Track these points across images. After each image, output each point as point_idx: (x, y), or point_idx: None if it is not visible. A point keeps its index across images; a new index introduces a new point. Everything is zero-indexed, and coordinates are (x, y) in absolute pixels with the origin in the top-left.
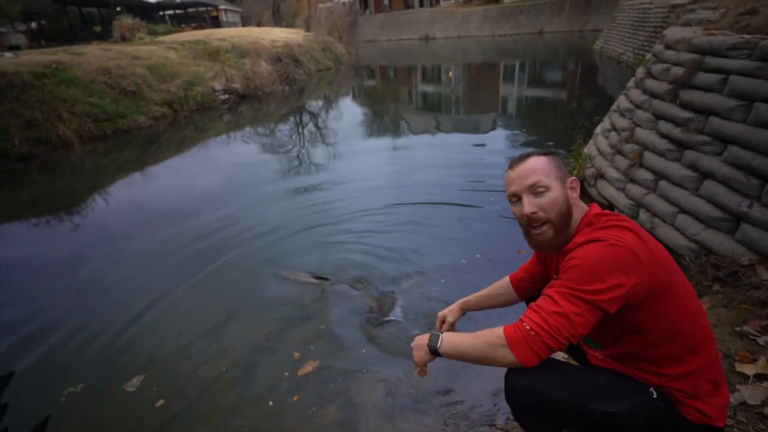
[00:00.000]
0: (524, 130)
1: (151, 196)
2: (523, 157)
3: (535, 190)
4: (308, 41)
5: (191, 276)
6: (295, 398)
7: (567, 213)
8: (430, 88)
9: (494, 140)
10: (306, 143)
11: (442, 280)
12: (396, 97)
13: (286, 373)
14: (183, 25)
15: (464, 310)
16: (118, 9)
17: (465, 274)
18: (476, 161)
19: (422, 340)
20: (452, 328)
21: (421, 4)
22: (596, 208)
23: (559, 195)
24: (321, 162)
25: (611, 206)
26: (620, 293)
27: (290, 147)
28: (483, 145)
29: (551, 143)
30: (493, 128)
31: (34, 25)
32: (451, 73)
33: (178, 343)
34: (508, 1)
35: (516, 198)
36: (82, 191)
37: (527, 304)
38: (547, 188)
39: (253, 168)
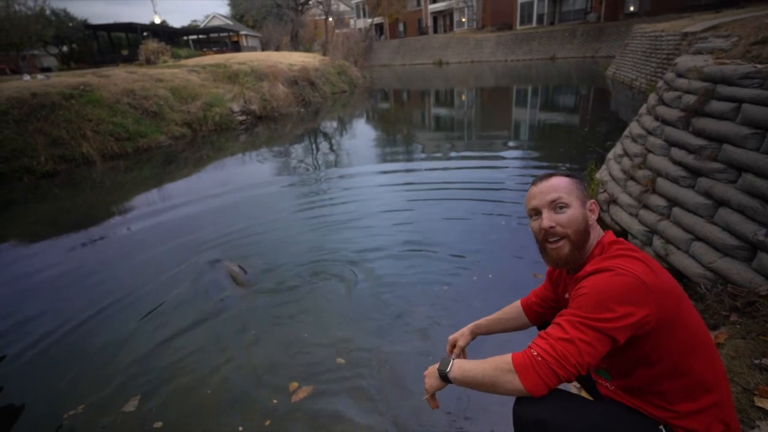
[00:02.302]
0: (537, 154)
1: (164, 210)
2: (547, 176)
3: (555, 206)
4: (324, 65)
5: (189, 286)
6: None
7: (585, 232)
8: (443, 111)
9: (507, 163)
10: (319, 162)
11: (455, 299)
12: (410, 120)
13: (275, 401)
14: (205, 49)
15: (475, 334)
16: (145, 34)
17: (476, 292)
18: (489, 183)
19: (434, 367)
20: (463, 352)
21: (435, 31)
22: (611, 236)
23: (578, 213)
24: (332, 178)
25: (624, 232)
26: (630, 322)
27: (303, 165)
28: (495, 167)
29: (563, 167)
30: (506, 151)
31: (65, 48)
32: (464, 97)
33: (173, 355)
34: (521, 28)
35: (536, 213)
36: (100, 206)
37: (539, 329)
38: (567, 205)
39: (264, 183)
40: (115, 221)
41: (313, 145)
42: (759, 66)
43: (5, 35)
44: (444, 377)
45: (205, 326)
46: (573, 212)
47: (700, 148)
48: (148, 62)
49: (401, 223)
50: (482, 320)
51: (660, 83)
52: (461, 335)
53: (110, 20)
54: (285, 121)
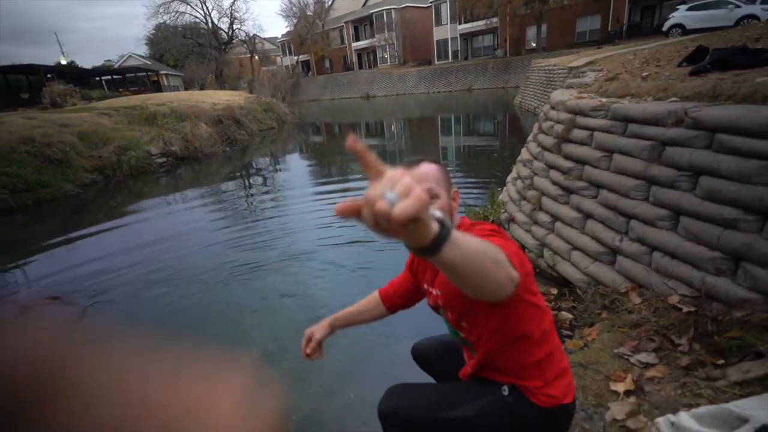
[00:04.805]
0: (464, 175)
1: (69, 264)
2: (416, 161)
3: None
4: (250, 103)
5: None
6: None
7: (450, 220)
8: (374, 141)
9: None
10: (247, 192)
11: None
12: (341, 151)
13: None
14: (121, 90)
15: (333, 327)
16: (49, 76)
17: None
18: None
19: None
20: (319, 345)
21: (360, 66)
22: (468, 220)
23: (445, 203)
24: (257, 212)
25: (523, 247)
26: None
27: (229, 197)
28: None
29: (486, 185)
30: None
31: None
32: (393, 127)
33: None
34: (439, 63)
35: None
36: None
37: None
38: (437, 196)
39: (185, 211)
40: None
41: (242, 180)
42: (604, 100)
43: None
44: (440, 240)
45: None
46: (442, 202)
47: (570, 169)
48: (54, 105)
49: (323, 246)
50: (340, 312)
51: (541, 114)
52: (320, 328)
53: (9, 62)
54: (209, 161)
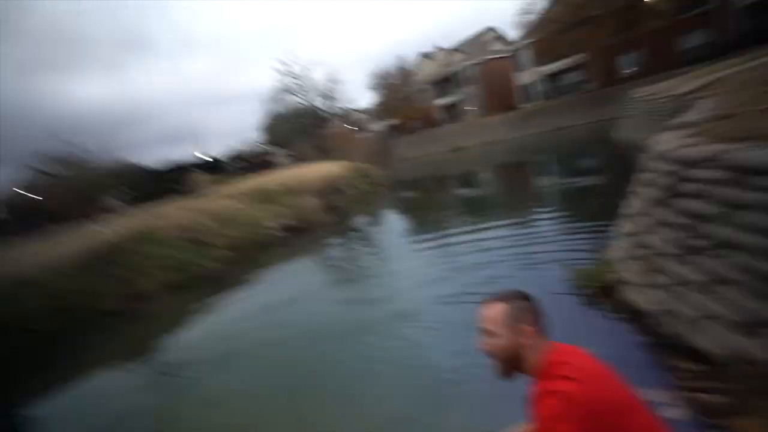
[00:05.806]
0: (565, 221)
1: (219, 334)
2: (488, 301)
3: (485, 333)
4: (348, 171)
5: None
6: None
7: (513, 356)
8: (467, 192)
9: (538, 234)
10: (351, 259)
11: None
12: (435, 206)
13: None
14: (244, 172)
15: None
16: (191, 169)
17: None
18: (523, 257)
19: None
20: None
21: (447, 121)
22: (557, 354)
23: (503, 342)
24: (364, 271)
25: (638, 311)
26: None
27: (338, 260)
28: (527, 239)
29: (590, 232)
30: (536, 222)
31: (128, 190)
32: (486, 175)
33: None
34: (524, 107)
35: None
36: (154, 339)
37: None
38: (494, 334)
39: (301, 285)
40: (173, 352)
41: (347, 243)
42: (715, 149)
43: (85, 192)
44: None
45: None
46: (498, 341)
47: (685, 226)
48: (195, 192)
49: (432, 304)
50: None
51: (645, 163)
52: None
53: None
54: (317, 229)
